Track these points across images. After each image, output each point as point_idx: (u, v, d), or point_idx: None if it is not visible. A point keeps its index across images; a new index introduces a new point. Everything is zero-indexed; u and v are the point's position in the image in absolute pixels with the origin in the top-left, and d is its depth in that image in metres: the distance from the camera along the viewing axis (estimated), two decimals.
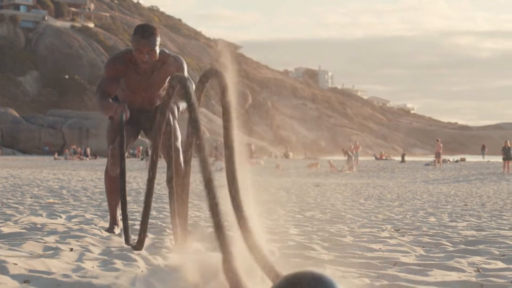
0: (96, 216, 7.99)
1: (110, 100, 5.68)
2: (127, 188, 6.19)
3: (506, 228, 7.89)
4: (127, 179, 6.18)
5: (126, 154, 6.04)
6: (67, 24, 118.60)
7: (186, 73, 5.56)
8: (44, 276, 3.42)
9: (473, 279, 3.74)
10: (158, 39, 5.49)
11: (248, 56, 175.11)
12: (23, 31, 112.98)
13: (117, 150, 5.87)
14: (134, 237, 5.58)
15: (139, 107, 5.87)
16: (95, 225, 6.63)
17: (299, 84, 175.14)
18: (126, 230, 5.38)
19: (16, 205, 9.53)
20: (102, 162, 50.03)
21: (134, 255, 4.53)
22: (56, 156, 62.08)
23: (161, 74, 5.66)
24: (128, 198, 6.85)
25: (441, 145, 42.24)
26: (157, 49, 5.49)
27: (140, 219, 7.57)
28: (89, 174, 26.45)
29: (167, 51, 5.68)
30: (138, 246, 4.86)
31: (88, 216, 7.98)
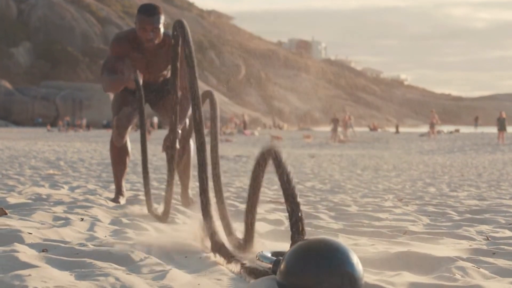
0: (98, 187, 8.01)
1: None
2: (128, 160, 6.21)
3: (507, 198, 7.93)
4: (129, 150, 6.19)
5: (131, 127, 6.05)
6: None
7: None
8: (62, 245, 3.43)
9: (485, 247, 3.76)
10: (162, 18, 5.50)
11: (241, 27, 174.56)
12: (15, 2, 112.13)
13: (124, 121, 5.88)
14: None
15: (143, 84, 5.84)
16: (100, 196, 6.64)
17: (292, 55, 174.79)
18: (148, 199, 5.44)
19: (16, 176, 9.54)
20: (96, 133, 49.99)
21: (145, 224, 4.56)
22: (49, 127, 61.94)
23: (165, 55, 5.64)
24: (126, 169, 6.87)
25: (436, 115, 42.23)
26: (161, 28, 5.50)
27: (142, 189, 7.61)
28: (84, 146, 26.42)
29: None
30: (164, 218, 4.90)
31: (90, 186, 8.00)
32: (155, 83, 5.92)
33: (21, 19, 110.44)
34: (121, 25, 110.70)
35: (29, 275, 2.48)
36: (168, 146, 5.00)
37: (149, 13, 5.41)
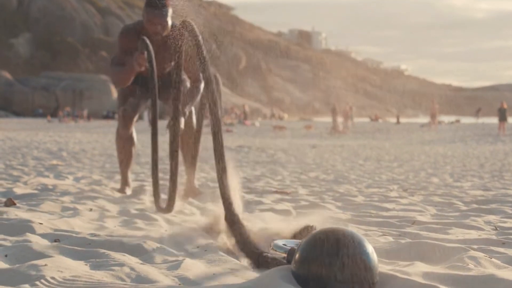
0: (103, 177, 8.01)
1: None
2: (134, 150, 6.21)
3: None
4: (135, 141, 6.18)
5: (137, 117, 6.05)
6: None
7: None
8: (74, 235, 3.45)
9: (494, 237, 3.76)
10: (170, 11, 5.47)
11: (241, 17, 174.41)
12: None
13: (130, 111, 5.88)
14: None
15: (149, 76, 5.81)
16: (106, 186, 6.64)
17: (292, 45, 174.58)
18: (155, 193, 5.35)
19: (20, 167, 9.54)
20: (97, 124, 49.96)
21: (154, 215, 4.57)
22: (49, 118, 61.86)
23: (172, 46, 5.61)
24: (132, 160, 6.88)
25: (437, 106, 42.15)
26: (169, 20, 5.47)
27: (150, 180, 7.61)
28: (85, 137, 26.43)
29: None
30: (168, 209, 4.78)
31: (95, 177, 8.00)
32: (162, 73, 5.91)
33: (21, 10, 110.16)
34: (121, 15, 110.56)
35: (45, 265, 2.48)
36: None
37: (157, 6, 5.38)
